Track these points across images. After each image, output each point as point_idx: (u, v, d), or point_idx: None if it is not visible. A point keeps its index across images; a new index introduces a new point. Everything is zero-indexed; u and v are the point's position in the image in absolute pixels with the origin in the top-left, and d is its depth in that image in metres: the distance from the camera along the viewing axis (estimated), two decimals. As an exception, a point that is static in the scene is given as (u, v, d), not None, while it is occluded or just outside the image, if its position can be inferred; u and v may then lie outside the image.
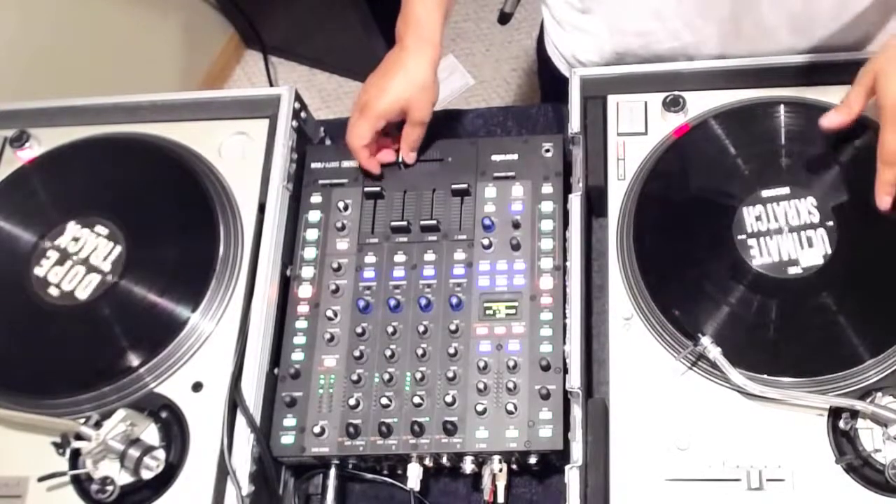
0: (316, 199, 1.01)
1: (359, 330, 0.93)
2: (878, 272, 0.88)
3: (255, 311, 0.93)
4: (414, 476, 0.90)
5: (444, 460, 0.91)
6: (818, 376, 0.84)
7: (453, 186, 0.99)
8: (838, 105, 0.88)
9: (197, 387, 0.91)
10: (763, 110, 0.97)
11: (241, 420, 0.88)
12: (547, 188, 0.98)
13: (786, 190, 0.91)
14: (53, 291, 0.97)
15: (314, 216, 1.00)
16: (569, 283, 0.91)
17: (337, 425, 0.90)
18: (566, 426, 0.87)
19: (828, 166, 0.92)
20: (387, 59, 1.01)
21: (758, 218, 0.91)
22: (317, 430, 0.89)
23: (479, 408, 0.88)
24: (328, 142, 1.14)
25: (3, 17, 1.81)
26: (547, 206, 0.97)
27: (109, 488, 0.84)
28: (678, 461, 0.83)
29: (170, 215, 1.01)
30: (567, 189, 0.98)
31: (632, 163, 0.98)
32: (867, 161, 0.86)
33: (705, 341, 0.83)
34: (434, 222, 0.98)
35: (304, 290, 0.97)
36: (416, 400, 0.90)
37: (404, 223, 0.98)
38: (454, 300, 0.93)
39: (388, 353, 0.92)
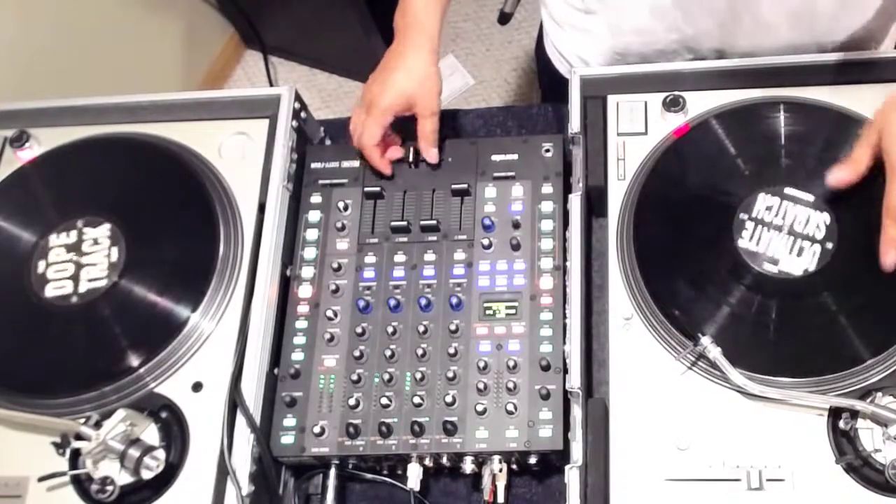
0: (316, 199, 1.01)
1: (359, 330, 0.93)
2: (879, 274, 0.87)
3: (255, 311, 0.93)
4: (414, 476, 0.90)
5: (444, 460, 0.91)
6: (818, 376, 0.84)
7: (453, 186, 0.99)
8: (845, 162, 0.87)
9: (197, 387, 0.91)
10: (763, 110, 0.97)
11: (241, 420, 0.88)
12: (547, 188, 0.98)
13: (810, 197, 0.91)
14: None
15: (314, 216, 1.00)
16: (569, 283, 0.91)
17: (337, 425, 0.90)
18: (566, 426, 0.87)
19: (853, 195, 0.89)
20: (386, 55, 1.02)
21: (769, 207, 0.91)
22: (317, 430, 0.89)
23: (479, 408, 0.88)
24: (328, 142, 1.14)
25: (3, 17, 1.81)
26: (547, 206, 0.97)
27: (109, 488, 0.84)
28: (678, 461, 0.83)
29: (170, 215, 1.01)
30: (567, 189, 0.98)
31: (632, 163, 0.98)
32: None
33: (705, 341, 0.83)
34: (434, 222, 0.98)
35: (304, 290, 0.97)
36: (416, 400, 0.90)
37: (404, 223, 0.98)
38: (454, 300, 0.93)
39: (388, 353, 0.92)
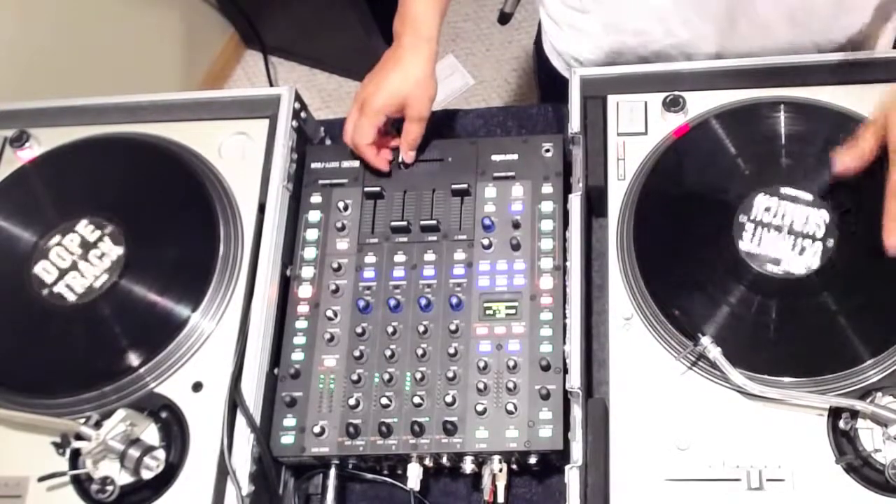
0: (316, 199, 1.01)
1: (359, 330, 0.93)
2: (879, 273, 0.87)
3: (255, 311, 0.93)
4: (414, 476, 0.90)
5: (444, 460, 0.91)
6: (818, 376, 0.84)
7: (453, 186, 0.99)
8: (849, 147, 0.86)
9: (197, 387, 0.91)
10: (763, 110, 0.97)
11: (241, 420, 0.88)
12: (547, 188, 0.98)
13: (808, 196, 0.91)
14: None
15: (314, 216, 1.00)
16: (569, 283, 0.91)
17: (337, 425, 0.90)
18: (566, 426, 0.87)
19: (852, 188, 0.89)
20: (384, 56, 1.02)
21: (767, 209, 0.91)
22: (317, 430, 0.89)
23: (479, 408, 0.88)
24: (328, 142, 1.14)
25: (3, 17, 1.81)
26: (547, 206, 0.97)
27: (109, 488, 0.84)
28: (678, 461, 0.83)
29: (170, 215, 1.01)
30: (567, 189, 0.98)
31: (632, 163, 0.98)
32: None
33: (705, 341, 0.83)
34: (434, 222, 0.98)
35: (304, 290, 0.97)
36: (416, 400, 0.90)
37: (404, 223, 0.98)
38: (454, 300, 0.93)
39: (388, 353, 0.92)
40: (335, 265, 0.97)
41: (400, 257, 0.97)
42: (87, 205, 1.01)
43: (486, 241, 0.96)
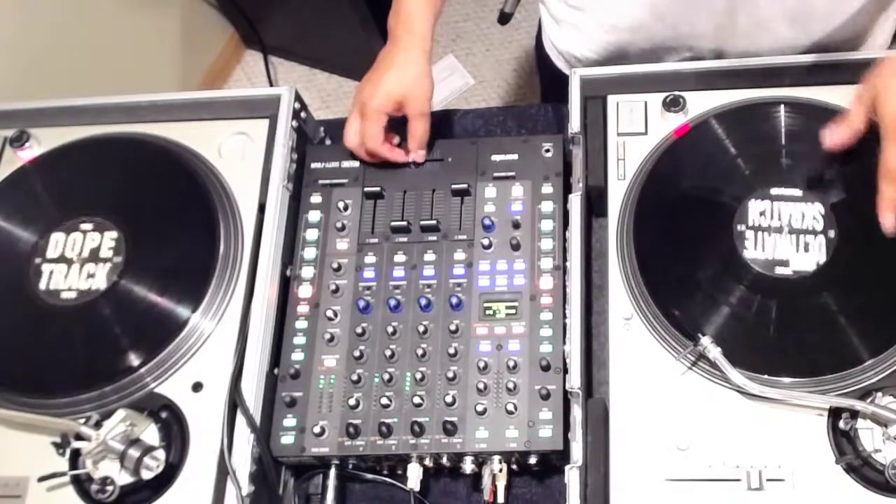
0: (316, 199, 1.01)
1: (359, 330, 0.93)
2: (878, 274, 0.87)
3: (255, 311, 0.93)
4: (414, 476, 0.90)
5: (444, 460, 0.91)
6: (818, 376, 0.84)
7: (453, 186, 0.99)
8: (839, 121, 0.86)
9: (197, 387, 0.91)
10: (763, 110, 0.97)
11: (241, 420, 0.88)
12: (547, 188, 0.98)
13: (797, 192, 0.91)
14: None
15: (314, 216, 1.00)
16: (569, 283, 0.91)
17: (337, 425, 0.90)
18: (566, 426, 0.87)
19: (841, 175, 0.91)
20: (379, 56, 1.02)
21: (762, 213, 0.91)
22: (317, 430, 0.89)
23: (479, 408, 0.88)
24: (328, 142, 1.14)
25: (3, 17, 1.81)
26: (547, 206, 0.97)
27: (109, 488, 0.84)
28: (678, 461, 0.83)
29: (170, 215, 1.01)
30: (567, 189, 0.98)
31: (632, 163, 0.98)
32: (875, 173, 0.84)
33: (705, 341, 0.83)
34: (434, 222, 0.98)
35: (304, 290, 0.97)
36: (416, 400, 0.90)
37: (404, 223, 0.98)
38: (454, 300, 0.93)
39: (388, 353, 0.92)
40: (335, 265, 0.97)
41: (400, 257, 0.97)
42: (88, 205, 1.01)
43: (486, 241, 0.96)
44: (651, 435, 0.84)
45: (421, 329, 0.93)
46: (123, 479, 0.86)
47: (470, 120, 1.18)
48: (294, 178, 1.02)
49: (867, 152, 0.84)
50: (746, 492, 0.81)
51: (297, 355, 0.94)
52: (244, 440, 0.87)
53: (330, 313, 0.94)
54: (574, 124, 0.98)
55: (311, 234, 0.99)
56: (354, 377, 0.92)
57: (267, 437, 0.90)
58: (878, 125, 0.82)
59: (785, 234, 0.90)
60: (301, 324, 0.95)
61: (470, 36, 2.54)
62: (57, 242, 0.99)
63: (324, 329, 0.94)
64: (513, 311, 0.93)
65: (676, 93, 1.00)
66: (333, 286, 0.96)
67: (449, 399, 0.89)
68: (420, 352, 0.92)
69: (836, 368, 0.84)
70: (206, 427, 0.89)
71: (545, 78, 1.32)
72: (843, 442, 0.82)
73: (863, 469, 0.81)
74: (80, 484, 0.87)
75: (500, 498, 0.90)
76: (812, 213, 0.90)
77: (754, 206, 0.91)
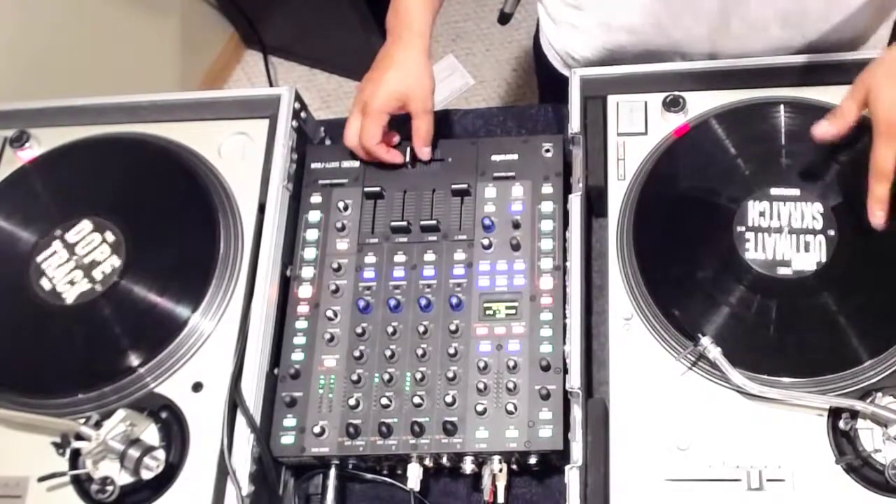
0: (316, 199, 1.01)
1: (359, 330, 0.93)
2: (878, 273, 0.88)
3: (255, 311, 0.93)
4: (414, 476, 0.90)
5: (444, 460, 0.91)
6: (818, 376, 0.84)
7: (453, 186, 0.99)
8: (831, 115, 0.86)
9: (197, 387, 0.91)
10: (763, 110, 0.97)
11: (241, 420, 0.88)
12: (547, 188, 0.98)
13: (795, 192, 0.91)
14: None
15: (314, 216, 1.00)
16: (569, 283, 0.91)
17: (337, 425, 0.90)
18: (566, 426, 0.87)
19: (839, 174, 0.91)
20: (379, 55, 1.02)
21: (761, 213, 0.91)
22: (317, 430, 0.89)
23: (479, 408, 0.88)
24: (328, 142, 1.14)
25: (3, 17, 1.81)
26: (547, 207, 0.97)
27: (109, 488, 0.84)
28: (678, 461, 0.83)
29: (170, 215, 1.01)
30: (567, 189, 0.98)
31: (632, 163, 0.98)
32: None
33: (705, 341, 0.84)
34: (434, 222, 0.98)
35: (304, 291, 0.97)
36: (416, 400, 0.90)
37: (404, 223, 0.98)
38: (454, 300, 0.93)
39: (388, 353, 0.92)
40: (335, 265, 0.97)
41: (400, 257, 0.97)
42: (88, 205, 1.01)
43: (486, 241, 0.96)
44: (651, 435, 0.84)
45: (421, 329, 0.93)
46: (123, 479, 0.86)
47: (470, 120, 1.18)
48: (294, 178, 1.02)
49: (866, 151, 0.84)
50: (746, 492, 0.81)
51: (297, 355, 0.94)
52: (244, 440, 0.87)
53: (330, 313, 0.94)
54: (574, 124, 0.98)
55: (311, 234, 0.99)
56: (354, 377, 0.92)
57: (267, 437, 0.90)
58: (873, 125, 0.82)
59: (785, 234, 0.90)
60: (301, 324, 0.95)
61: (470, 36, 2.54)
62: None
63: (324, 329, 0.94)
64: (513, 311, 0.93)
65: (676, 93, 1.00)
66: (333, 286, 0.96)
67: (449, 399, 0.89)
68: (420, 352, 0.92)
69: (836, 368, 0.84)
70: (206, 427, 0.89)
71: (543, 78, 1.32)
72: (843, 442, 0.82)
73: (863, 469, 0.81)
74: (80, 484, 0.87)
75: (500, 498, 0.90)
76: (811, 212, 0.90)
77: (754, 207, 0.91)
